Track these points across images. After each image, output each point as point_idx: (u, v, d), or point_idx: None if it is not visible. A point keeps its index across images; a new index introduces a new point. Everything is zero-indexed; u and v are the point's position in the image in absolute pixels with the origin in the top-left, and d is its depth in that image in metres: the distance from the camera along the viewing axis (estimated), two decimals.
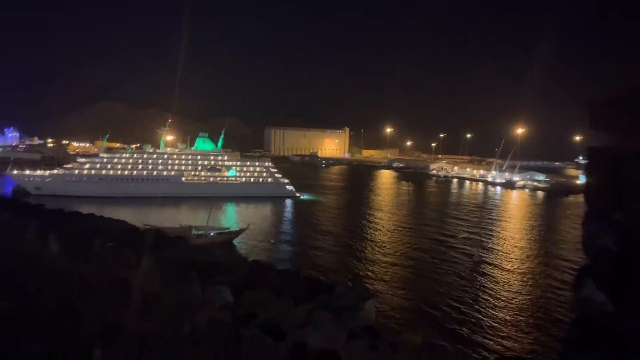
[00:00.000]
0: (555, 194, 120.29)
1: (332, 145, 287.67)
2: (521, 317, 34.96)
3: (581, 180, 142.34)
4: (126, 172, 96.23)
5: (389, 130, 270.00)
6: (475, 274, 45.41)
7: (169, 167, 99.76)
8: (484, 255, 52.72)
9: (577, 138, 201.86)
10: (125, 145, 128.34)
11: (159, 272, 5.14)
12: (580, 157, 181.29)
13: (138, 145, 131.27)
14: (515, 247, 58.85)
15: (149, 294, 5.17)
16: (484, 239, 61.23)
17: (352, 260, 49.20)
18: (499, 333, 32.08)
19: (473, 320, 34.07)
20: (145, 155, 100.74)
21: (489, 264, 49.63)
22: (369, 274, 44.57)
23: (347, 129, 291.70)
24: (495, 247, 57.97)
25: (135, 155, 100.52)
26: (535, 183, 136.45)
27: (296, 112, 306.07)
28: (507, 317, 34.88)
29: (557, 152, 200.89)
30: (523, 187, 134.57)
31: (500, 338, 31.25)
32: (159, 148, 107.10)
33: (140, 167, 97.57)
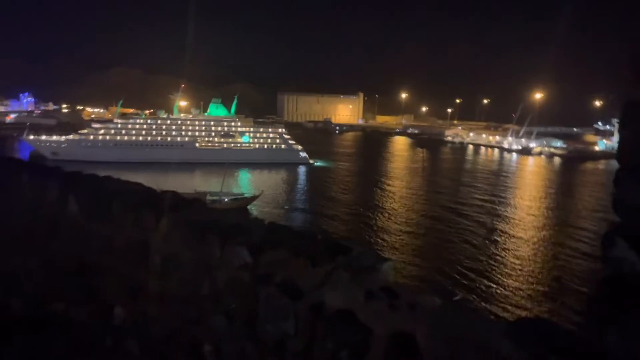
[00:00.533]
0: (573, 160, 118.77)
1: (345, 111, 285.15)
2: (533, 286, 35.11)
3: (600, 146, 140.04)
4: (140, 138, 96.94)
5: (404, 95, 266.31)
6: (487, 242, 45.49)
7: (183, 133, 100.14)
8: (497, 223, 52.66)
9: (597, 103, 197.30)
10: (139, 111, 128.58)
11: (178, 233, 5.18)
12: (599, 123, 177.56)
13: (152, 111, 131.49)
14: (530, 214, 58.66)
15: (167, 254, 5.23)
16: (498, 207, 61.10)
17: (364, 227, 49.55)
18: (511, 301, 32.32)
19: (484, 287, 34.34)
20: (159, 121, 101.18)
21: (502, 232, 49.61)
22: (381, 241, 44.90)
23: (361, 95, 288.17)
24: (509, 215, 57.84)
25: (149, 121, 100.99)
26: (552, 149, 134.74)
27: (309, 78, 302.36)
28: (519, 285, 35.06)
29: (576, 117, 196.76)
30: (540, 154, 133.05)
31: (511, 306, 31.50)
32: (172, 114, 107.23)
33: (154, 132, 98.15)
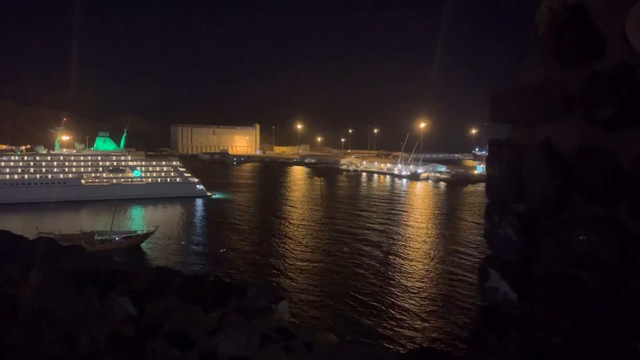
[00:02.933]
0: (456, 184, 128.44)
1: (243, 142, 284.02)
2: (429, 307, 36.67)
3: (478, 170, 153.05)
4: (16, 177, 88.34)
5: (299, 126, 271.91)
6: (383, 266, 47.11)
7: (66, 169, 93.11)
8: (392, 247, 54.80)
9: (473, 131, 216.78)
10: (14, 147, 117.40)
11: (50, 285, 4.66)
12: (477, 149, 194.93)
13: (29, 146, 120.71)
14: (421, 237, 61.89)
15: (39, 311, 4.67)
16: (391, 235, 63.65)
17: (263, 259, 49.02)
18: (407, 324, 33.44)
19: (381, 312, 35.22)
20: (37, 157, 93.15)
21: (397, 255, 51.70)
22: (281, 272, 44.64)
23: (257, 126, 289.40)
24: (402, 239, 60.62)
25: (26, 158, 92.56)
26: (438, 174, 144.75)
27: (204, 109, 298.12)
28: (415, 308, 36.41)
29: (456, 144, 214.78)
30: (427, 179, 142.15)
31: (409, 329, 32.59)
32: (53, 149, 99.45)
33: (32, 170, 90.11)
